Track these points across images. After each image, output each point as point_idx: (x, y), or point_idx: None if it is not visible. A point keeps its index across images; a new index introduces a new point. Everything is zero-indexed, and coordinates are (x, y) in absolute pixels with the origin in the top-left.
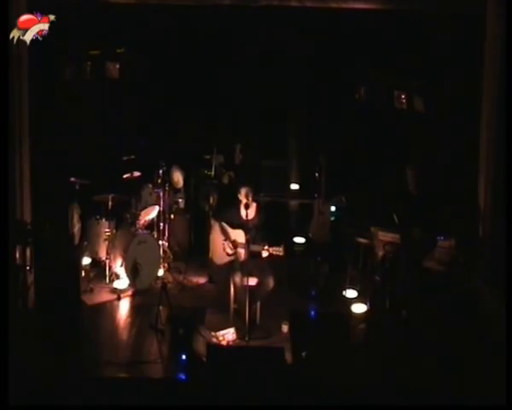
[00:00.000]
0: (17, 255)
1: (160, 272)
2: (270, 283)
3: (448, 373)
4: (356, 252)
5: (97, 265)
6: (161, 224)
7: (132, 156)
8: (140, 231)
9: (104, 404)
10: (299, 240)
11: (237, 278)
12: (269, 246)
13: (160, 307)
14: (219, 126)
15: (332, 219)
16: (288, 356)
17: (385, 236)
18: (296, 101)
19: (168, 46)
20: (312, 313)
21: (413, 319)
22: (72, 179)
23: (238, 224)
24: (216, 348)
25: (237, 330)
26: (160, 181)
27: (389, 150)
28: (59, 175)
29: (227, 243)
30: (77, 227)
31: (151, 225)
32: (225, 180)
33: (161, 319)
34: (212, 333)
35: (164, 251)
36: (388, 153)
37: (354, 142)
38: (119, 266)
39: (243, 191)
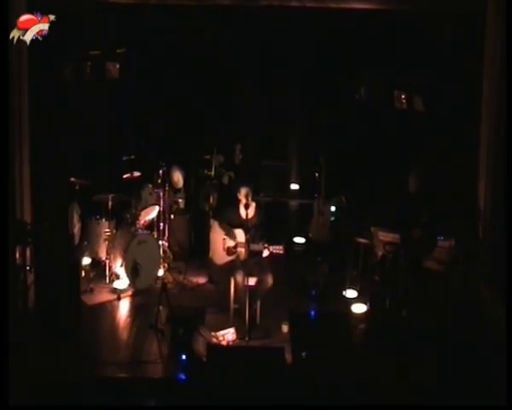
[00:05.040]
0: (17, 255)
1: (160, 272)
2: (269, 280)
3: (448, 373)
4: (356, 252)
5: (97, 265)
6: (161, 224)
7: (132, 156)
8: (140, 231)
9: (104, 404)
10: (299, 240)
11: (238, 278)
12: (269, 244)
13: (160, 307)
14: (219, 126)
15: (332, 219)
16: (288, 356)
17: (385, 236)
18: (296, 101)
19: (168, 46)
20: (312, 313)
21: (413, 319)
22: (72, 179)
23: (238, 223)
24: (216, 348)
25: (237, 330)
26: (159, 181)
27: (389, 150)
28: (59, 175)
29: (228, 237)
30: (77, 227)
31: (151, 225)
32: (225, 180)
33: (161, 319)
34: (212, 333)
35: (164, 251)
36: (388, 153)
37: (354, 142)
38: (119, 266)
39: (243, 191)
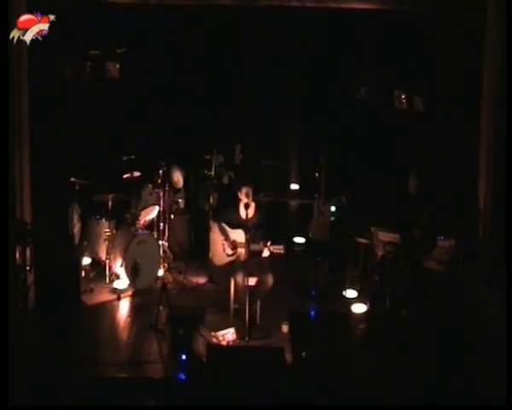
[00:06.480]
0: (17, 255)
1: (160, 272)
2: (270, 281)
3: (448, 373)
4: (356, 252)
5: (97, 265)
6: (161, 224)
7: (132, 156)
8: (140, 231)
9: (104, 404)
10: (299, 240)
11: (239, 278)
12: (269, 244)
13: (160, 307)
14: (219, 126)
15: (332, 219)
16: (288, 356)
17: (385, 236)
18: (296, 101)
19: (168, 46)
20: (312, 313)
21: (413, 319)
22: (72, 179)
23: (238, 224)
24: (216, 348)
25: (237, 330)
26: (159, 181)
27: (389, 150)
28: (59, 175)
29: (227, 243)
30: (77, 227)
31: (151, 225)
32: (225, 180)
33: (161, 319)
34: (212, 333)
35: (164, 251)
36: (388, 153)
37: (354, 142)
38: (119, 266)
39: (244, 190)
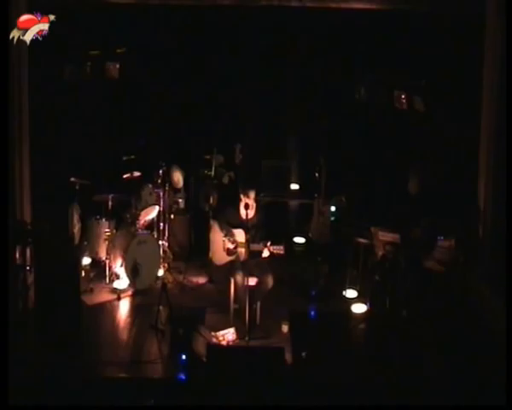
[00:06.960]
0: (17, 255)
1: (160, 272)
2: (270, 281)
3: (448, 373)
4: (356, 252)
5: (97, 265)
6: (161, 224)
7: (132, 156)
8: (140, 231)
9: (104, 404)
10: (299, 240)
11: (238, 278)
12: (269, 244)
13: (160, 307)
14: (219, 126)
15: (332, 219)
16: (288, 356)
17: (385, 236)
18: (296, 101)
19: (168, 46)
20: (312, 313)
21: (413, 319)
22: (72, 179)
23: (238, 224)
24: (216, 348)
25: (237, 331)
26: (160, 181)
27: (389, 150)
28: (59, 175)
29: (227, 238)
30: (77, 227)
31: (151, 225)
32: (225, 180)
33: (161, 319)
34: (212, 333)
35: (164, 251)
36: (388, 153)
37: (354, 142)
38: (119, 266)
39: (249, 194)
